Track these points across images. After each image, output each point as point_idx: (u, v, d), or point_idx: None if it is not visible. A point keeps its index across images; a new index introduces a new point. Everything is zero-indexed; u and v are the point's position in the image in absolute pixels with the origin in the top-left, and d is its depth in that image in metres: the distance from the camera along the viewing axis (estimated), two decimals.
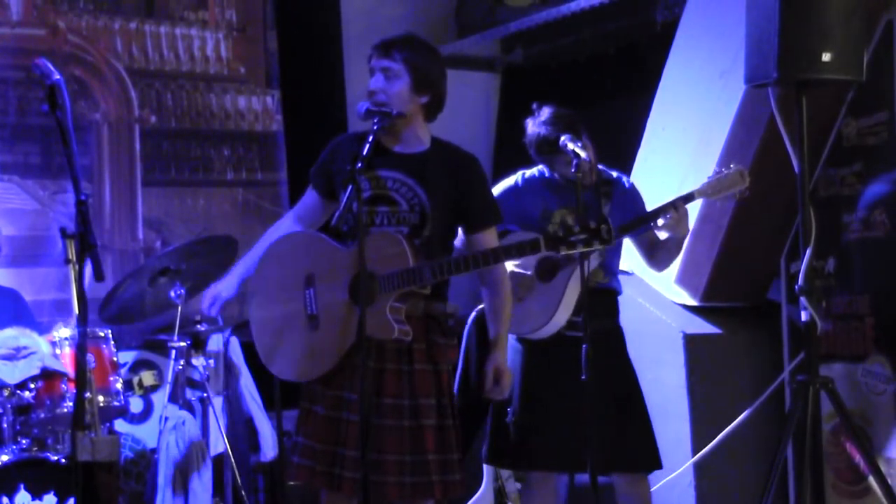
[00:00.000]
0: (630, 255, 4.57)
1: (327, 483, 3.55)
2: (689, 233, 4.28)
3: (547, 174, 4.33)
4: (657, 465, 4.33)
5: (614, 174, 4.44)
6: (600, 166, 4.43)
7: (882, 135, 4.73)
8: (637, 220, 4.23)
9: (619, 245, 4.40)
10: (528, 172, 4.39)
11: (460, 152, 3.70)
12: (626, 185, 4.42)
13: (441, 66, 3.66)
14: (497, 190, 4.37)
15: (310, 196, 3.81)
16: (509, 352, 4.32)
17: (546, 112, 4.29)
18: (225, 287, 3.85)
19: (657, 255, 4.37)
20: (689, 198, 4.20)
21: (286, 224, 3.86)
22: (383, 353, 3.55)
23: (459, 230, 3.78)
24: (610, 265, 4.36)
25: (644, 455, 4.29)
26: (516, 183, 4.39)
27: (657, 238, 4.34)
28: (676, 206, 4.16)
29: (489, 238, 3.70)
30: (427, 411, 3.56)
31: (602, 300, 4.32)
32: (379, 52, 3.61)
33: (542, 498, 4.35)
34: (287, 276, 3.66)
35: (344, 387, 3.57)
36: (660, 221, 4.17)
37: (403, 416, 3.54)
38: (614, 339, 4.38)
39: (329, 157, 3.73)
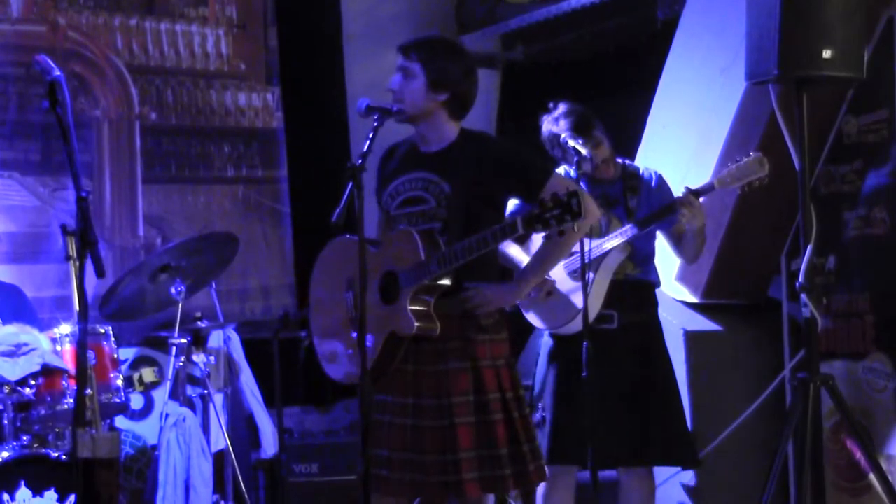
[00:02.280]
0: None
1: (374, 485, 3.54)
2: (706, 220, 4.28)
3: (571, 173, 4.34)
4: (695, 460, 4.39)
5: (641, 168, 4.45)
6: (626, 161, 4.45)
7: (882, 132, 4.73)
8: (653, 215, 4.24)
9: (651, 236, 4.40)
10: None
11: (486, 141, 3.79)
12: (654, 178, 4.42)
13: (464, 65, 3.72)
14: None
15: (382, 215, 3.89)
16: (542, 348, 4.41)
17: (557, 109, 4.31)
18: None
19: (684, 246, 4.37)
20: (708, 188, 4.20)
21: None
22: (420, 356, 3.59)
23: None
24: (639, 256, 4.36)
25: (680, 449, 4.33)
26: None
27: (684, 229, 4.35)
28: (691, 201, 4.15)
29: (559, 186, 3.57)
30: (461, 410, 3.56)
31: (635, 292, 4.34)
32: (400, 52, 3.72)
33: (564, 490, 4.36)
34: (332, 282, 3.77)
35: (385, 390, 3.62)
36: (682, 216, 4.17)
37: (443, 416, 3.57)
38: (650, 332, 4.38)
39: (381, 170, 3.85)
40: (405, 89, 3.66)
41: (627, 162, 4.47)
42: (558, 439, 4.28)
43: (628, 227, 4.24)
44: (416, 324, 3.51)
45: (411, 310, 3.52)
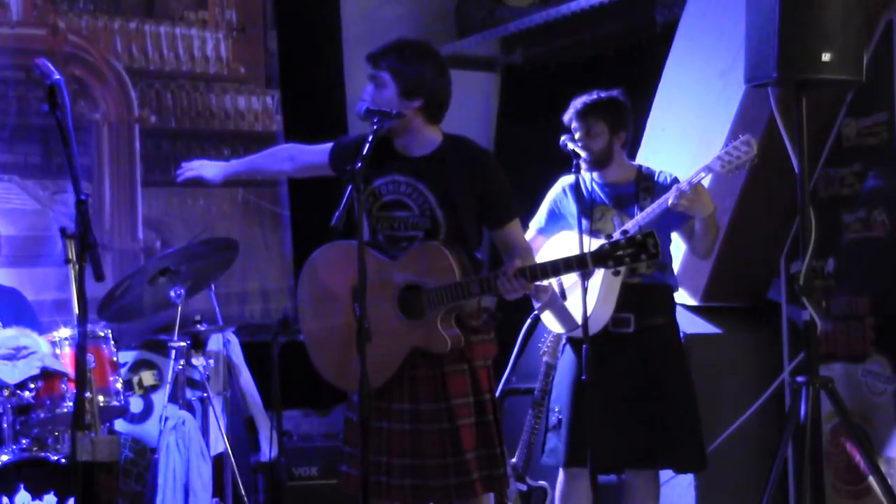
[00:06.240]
0: None
1: (373, 491, 3.56)
2: (716, 209, 4.23)
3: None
4: (703, 464, 4.38)
5: (657, 172, 4.42)
6: (642, 165, 4.43)
7: (882, 135, 4.73)
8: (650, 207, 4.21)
9: (665, 241, 4.33)
10: (569, 180, 4.37)
11: (472, 149, 3.68)
12: (669, 180, 4.35)
13: (434, 67, 3.62)
14: (547, 201, 4.40)
15: (320, 153, 3.82)
16: (563, 350, 4.41)
17: (579, 100, 4.30)
18: (212, 171, 3.99)
19: (695, 239, 4.33)
20: (697, 176, 4.18)
21: (286, 150, 4.04)
22: (415, 360, 3.58)
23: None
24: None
25: (690, 454, 4.32)
26: (558, 197, 4.41)
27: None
28: (683, 187, 4.12)
29: (515, 232, 3.71)
30: (463, 411, 3.58)
31: (651, 295, 4.32)
32: (369, 62, 3.65)
33: (581, 492, 4.33)
34: (334, 289, 3.68)
35: (383, 397, 3.60)
36: (670, 201, 4.11)
37: (442, 419, 3.57)
38: (667, 336, 4.36)
39: (353, 146, 3.68)
40: (377, 100, 3.57)
41: (644, 166, 4.46)
42: (576, 441, 4.26)
43: (640, 215, 4.21)
44: (450, 340, 3.51)
45: (443, 328, 3.51)
